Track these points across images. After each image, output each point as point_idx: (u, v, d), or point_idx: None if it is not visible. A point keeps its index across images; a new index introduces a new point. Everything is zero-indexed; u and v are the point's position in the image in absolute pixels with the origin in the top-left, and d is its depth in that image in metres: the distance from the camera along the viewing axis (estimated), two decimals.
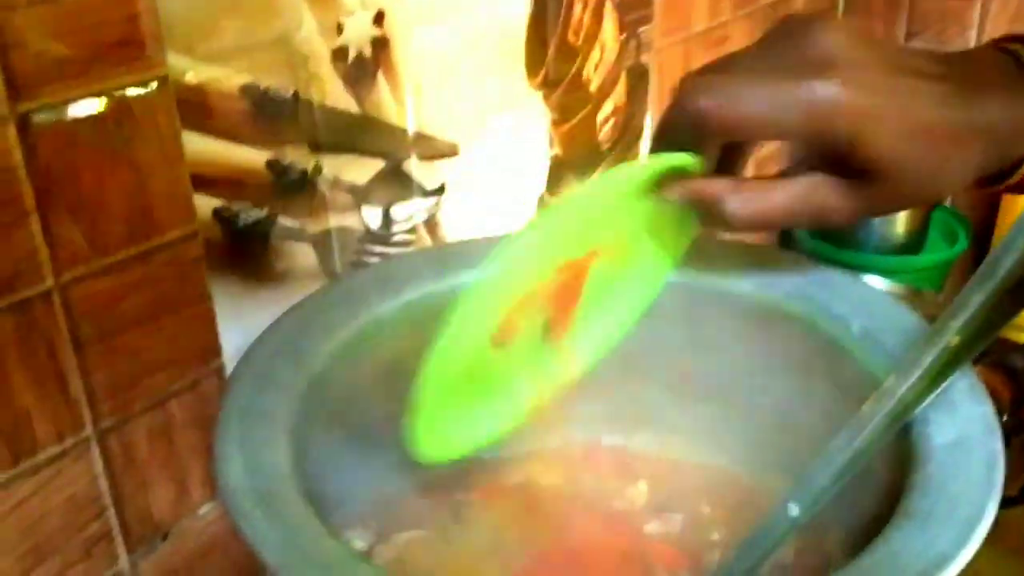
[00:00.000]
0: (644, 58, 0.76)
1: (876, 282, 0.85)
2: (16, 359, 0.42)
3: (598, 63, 0.72)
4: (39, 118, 0.40)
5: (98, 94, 0.42)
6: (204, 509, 0.52)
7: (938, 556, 0.31)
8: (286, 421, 0.37)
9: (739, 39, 0.89)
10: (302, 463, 0.36)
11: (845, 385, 0.43)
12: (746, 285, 0.46)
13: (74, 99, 0.41)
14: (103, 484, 0.47)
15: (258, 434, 0.36)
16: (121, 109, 0.43)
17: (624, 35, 0.73)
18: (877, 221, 1.00)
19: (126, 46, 0.43)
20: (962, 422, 0.37)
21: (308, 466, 0.37)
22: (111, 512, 0.48)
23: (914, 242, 1.02)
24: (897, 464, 0.37)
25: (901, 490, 0.35)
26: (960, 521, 0.32)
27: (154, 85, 0.44)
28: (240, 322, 0.51)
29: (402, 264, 0.49)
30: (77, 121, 0.41)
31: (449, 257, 0.49)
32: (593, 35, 0.70)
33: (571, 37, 0.68)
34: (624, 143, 0.78)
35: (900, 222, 1.01)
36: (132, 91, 0.43)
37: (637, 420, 0.52)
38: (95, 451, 0.46)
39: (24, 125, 0.40)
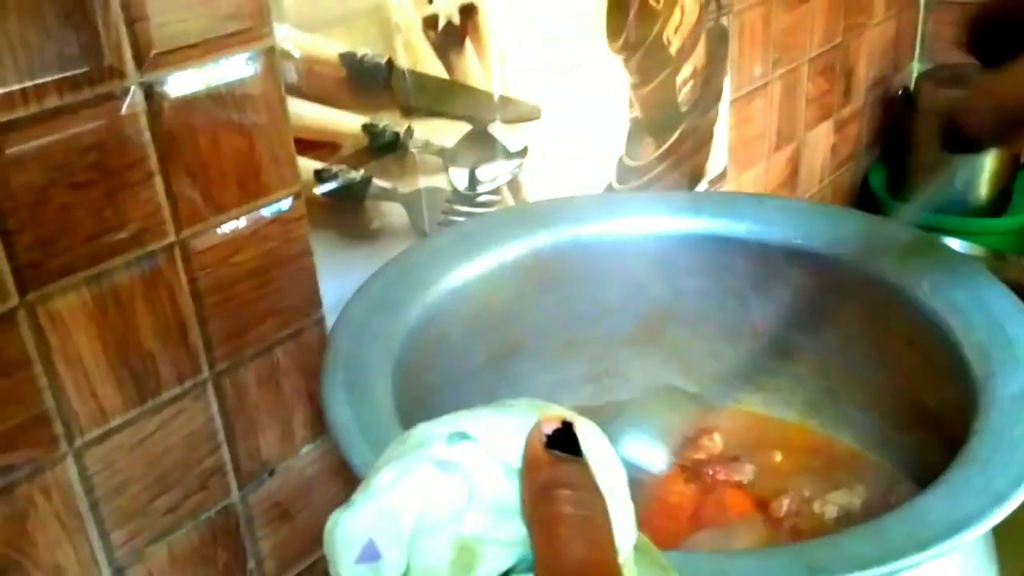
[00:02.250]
0: (724, 20, 0.77)
1: (954, 244, 0.85)
2: (143, 307, 0.46)
3: (678, 26, 0.73)
4: (162, 87, 0.44)
5: (213, 64, 0.46)
6: (306, 449, 0.56)
7: (995, 495, 0.33)
8: (385, 367, 0.41)
9: (819, 0, 0.89)
10: (401, 403, 0.40)
11: (914, 339, 0.45)
12: (816, 243, 0.48)
13: (193, 68, 0.45)
14: (218, 423, 0.51)
15: (361, 378, 0.40)
16: (233, 78, 0.46)
17: None
18: (960, 183, 1.00)
19: (237, 19, 0.46)
20: None
21: (406, 406, 0.40)
22: (224, 449, 0.52)
23: (998, 204, 1.01)
24: (963, 413, 0.39)
25: (965, 437, 0.37)
26: (1019, 464, 0.34)
27: (262, 55, 0.47)
28: (339, 276, 0.54)
29: (485, 223, 0.52)
30: (194, 90, 0.45)
31: (528, 217, 0.52)
32: None
33: (652, 0, 0.70)
34: (703, 105, 0.79)
35: (984, 183, 1.00)
36: (243, 61, 0.47)
37: (712, 375, 0.54)
38: (211, 393, 0.50)
39: (149, 93, 0.44)
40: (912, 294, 0.45)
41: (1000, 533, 0.36)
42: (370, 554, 0.27)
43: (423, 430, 0.29)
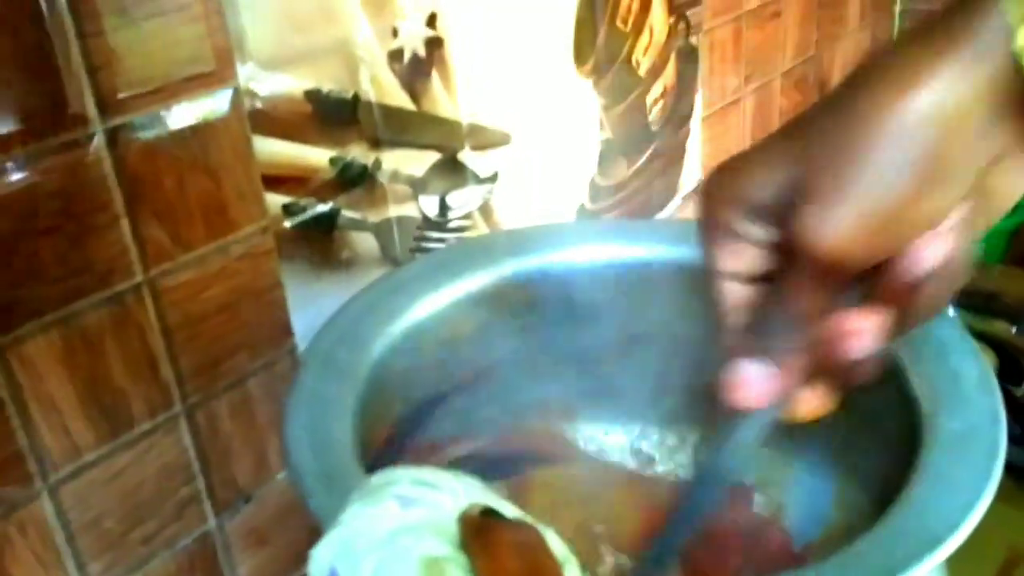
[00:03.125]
0: (693, 39, 0.78)
1: None
2: (113, 345, 0.47)
3: (647, 46, 0.74)
4: (125, 132, 0.45)
5: (176, 107, 0.46)
6: (282, 475, 0.57)
7: (931, 539, 0.34)
8: (348, 405, 0.42)
9: (791, 14, 0.90)
10: (365, 440, 0.41)
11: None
12: None
13: (155, 113, 0.46)
14: (192, 454, 0.52)
15: (324, 417, 0.41)
16: (197, 120, 0.47)
17: (673, 17, 0.75)
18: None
19: (199, 62, 0.47)
20: (970, 412, 0.39)
21: (370, 444, 0.41)
22: (199, 479, 0.53)
23: None
24: (908, 447, 0.40)
25: (908, 473, 0.38)
26: (954, 509, 0.35)
27: (226, 96, 0.48)
28: (310, 306, 0.55)
29: (451, 253, 0.53)
30: (158, 133, 0.46)
31: (495, 246, 0.52)
32: (642, 19, 0.72)
33: (619, 23, 0.71)
34: (674, 123, 0.80)
35: None
36: (207, 103, 0.48)
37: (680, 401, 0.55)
38: (184, 425, 0.51)
39: (113, 139, 0.44)
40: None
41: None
42: None
43: (391, 472, 0.32)
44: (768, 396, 0.33)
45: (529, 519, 0.31)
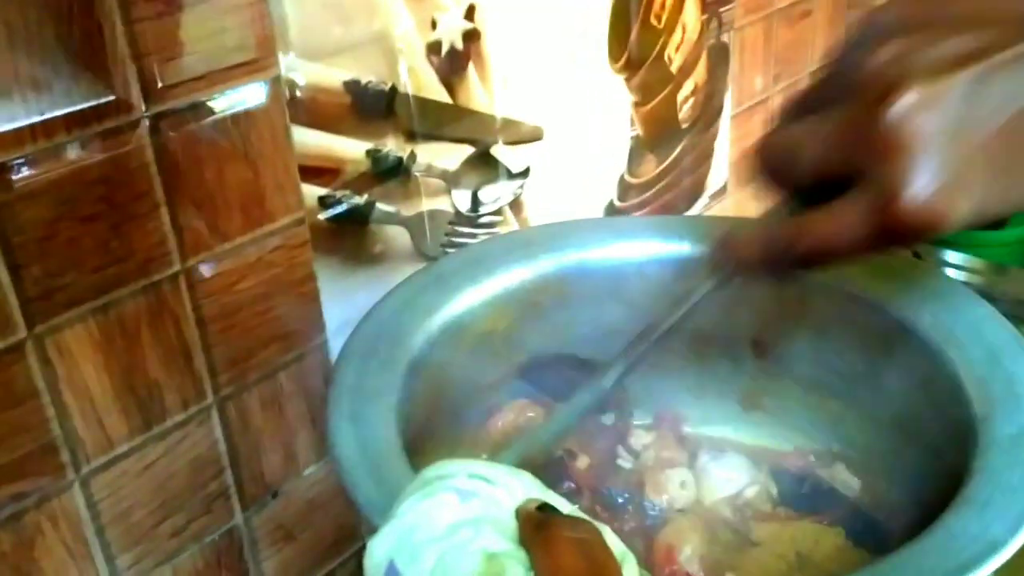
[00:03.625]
0: (725, 36, 0.78)
1: (955, 257, 0.85)
2: (148, 336, 0.46)
3: (679, 43, 0.73)
4: (168, 120, 0.44)
5: (217, 96, 0.46)
6: (309, 471, 0.57)
7: (992, 541, 0.33)
8: (391, 397, 0.41)
9: (822, 13, 0.89)
10: (406, 433, 0.40)
11: (914, 369, 0.45)
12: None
13: (198, 101, 0.45)
14: (222, 447, 0.52)
15: (366, 409, 0.40)
16: (238, 108, 0.47)
17: (706, 15, 0.75)
18: None
19: (242, 50, 0.46)
20: None
21: (411, 436, 0.41)
22: (228, 473, 0.52)
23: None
24: (962, 449, 0.39)
25: (964, 477, 0.38)
26: (1016, 510, 0.35)
27: (267, 86, 0.48)
28: (342, 300, 0.55)
29: (489, 248, 0.53)
30: (200, 121, 0.45)
31: (531, 241, 0.52)
32: (675, 16, 0.72)
33: (653, 20, 0.70)
34: (704, 121, 0.79)
35: None
36: (248, 92, 0.47)
37: (713, 397, 0.54)
38: (215, 418, 0.51)
39: (155, 127, 0.44)
40: (912, 324, 0.46)
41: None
42: (392, 575, 0.29)
43: (446, 465, 0.32)
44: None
45: (586, 516, 0.31)
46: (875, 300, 0.47)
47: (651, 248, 0.52)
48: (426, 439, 0.43)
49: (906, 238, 0.31)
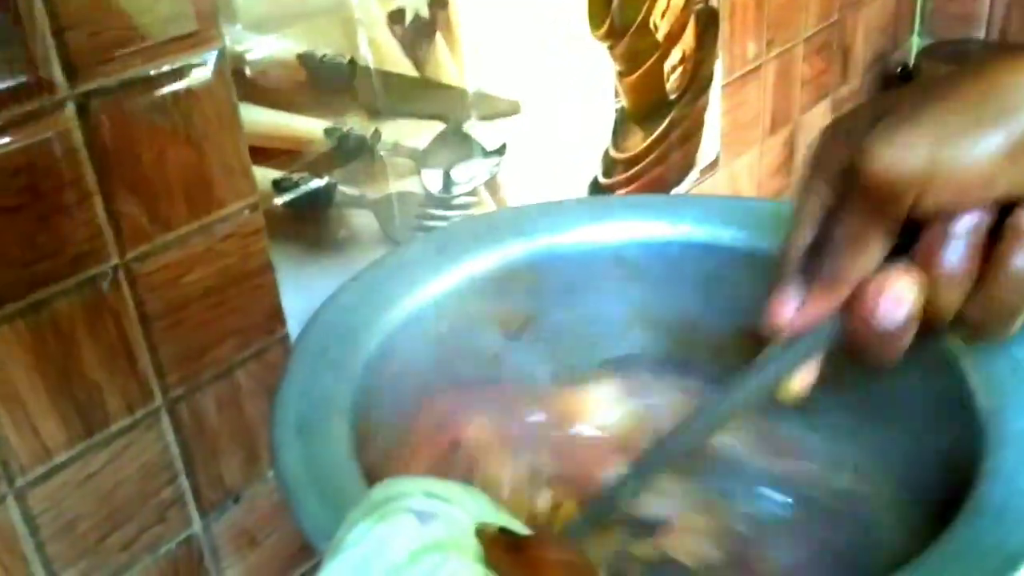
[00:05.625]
0: (713, 1, 0.73)
1: None
2: (86, 336, 0.43)
3: (665, 9, 0.69)
4: (97, 100, 0.40)
5: (154, 72, 0.42)
6: (273, 472, 0.53)
7: (1009, 555, 0.30)
8: (343, 403, 0.38)
9: None
10: (362, 447, 0.36)
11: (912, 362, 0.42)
12: None
13: (130, 78, 0.41)
14: (174, 452, 0.48)
15: (315, 419, 0.37)
16: (177, 86, 0.43)
17: None
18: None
19: (180, 21, 0.42)
20: None
21: (366, 447, 0.37)
22: (183, 478, 0.49)
23: None
24: (970, 450, 0.36)
25: (974, 477, 0.34)
26: None
27: (210, 60, 0.44)
28: (304, 290, 0.51)
29: (452, 233, 0.49)
30: (135, 100, 0.42)
31: (499, 225, 0.48)
32: None
33: None
34: (693, 91, 0.75)
35: None
36: (188, 67, 0.43)
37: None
38: (165, 421, 0.47)
39: (83, 107, 0.40)
40: None
41: None
42: None
43: (396, 484, 0.29)
44: (798, 321, 0.33)
45: (548, 538, 0.28)
46: None
47: (628, 230, 0.48)
48: (385, 452, 0.39)
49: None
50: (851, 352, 0.33)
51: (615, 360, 0.50)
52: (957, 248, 0.30)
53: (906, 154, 0.29)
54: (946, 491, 0.36)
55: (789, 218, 0.34)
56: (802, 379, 0.34)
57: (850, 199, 0.31)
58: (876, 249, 0.31)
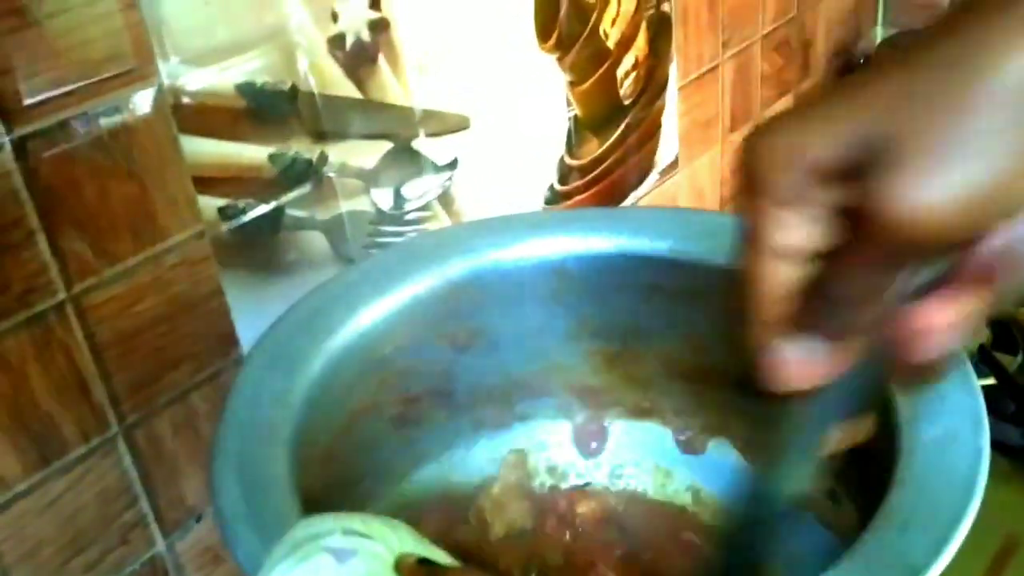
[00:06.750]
0: (665, 6, 0.74)
1: None
2: (37, 369, 0.44)
3: (615, 17, 0.70)
4: (35, 141, 0.41)
5: (92, 111, 0.43)
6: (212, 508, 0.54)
7: (911, 566, 0.31)
8: (285, 435, 0.39)
9: None
10: (304, 481, 0.37)
11: None
12: None
13: (68, 118, 0.42)
14: (133, 476, 0.49)
15: (256, 451, 0.37)
16: (116, 122, 0.44)
17: None
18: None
19: (115, 61, 0.43)
20: (950, 416, 0.36)
21: (306, 476, 0.38)
22: (143, 501, 0.50)
23: None
24: (886, 456, 0.37)
25: (887, 483, 0.35)
26: (938, 527, 0.32)
27: (147, 95, 0.45)
28: (256, 313, 0.52)
29: (394, 255, 0.50)
30: (73, 139, 0.43)
31: (442, 244, 0.49)
32: None
33: None
34: (648, 95, 0.76)
35: None
36: (125, 104, 0.44)
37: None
38: (122, 447, 0.48)
39: (21, 149, 0.41)
40: None
41: None
42: None
43: (316, 523, 0.30)
44: (815, 376, 0.30)
45: (469, 567, 0.29)
46: None
47: (569, 244, 0.49)
48: (328, 485, 0.40)
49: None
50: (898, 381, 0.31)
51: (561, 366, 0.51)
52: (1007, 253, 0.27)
53: (943, 196, 0.24)
54: (865, 495, 0.37)
55: (748, 257, 0.29)
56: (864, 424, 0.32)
57: (862, 249, 0.27)
58: (896, 285, 0.28)
